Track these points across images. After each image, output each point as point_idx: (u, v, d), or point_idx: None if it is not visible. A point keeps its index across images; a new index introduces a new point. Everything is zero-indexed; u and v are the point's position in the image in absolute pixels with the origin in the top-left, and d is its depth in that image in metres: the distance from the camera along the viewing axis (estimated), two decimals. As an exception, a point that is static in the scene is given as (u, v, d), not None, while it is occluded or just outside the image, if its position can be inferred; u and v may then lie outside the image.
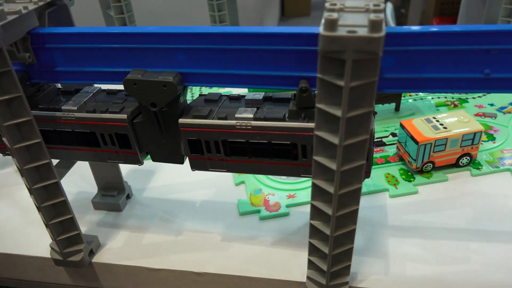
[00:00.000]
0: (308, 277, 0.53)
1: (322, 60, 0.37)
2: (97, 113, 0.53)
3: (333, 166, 0.42)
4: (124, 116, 0.52)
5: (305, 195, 0.69)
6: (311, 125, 0.46)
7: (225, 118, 0.50)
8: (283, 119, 0.48)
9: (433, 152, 0.69)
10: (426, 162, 0.70)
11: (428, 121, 0.71)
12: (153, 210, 0.70)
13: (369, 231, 0.63)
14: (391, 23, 2.57)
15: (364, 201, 0.68)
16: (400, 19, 3.23)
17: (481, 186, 0.69)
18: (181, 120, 0.50)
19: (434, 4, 3.00)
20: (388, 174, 0.72)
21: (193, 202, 0.71)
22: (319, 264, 0.51)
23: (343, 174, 0.43)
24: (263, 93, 0.52)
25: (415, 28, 0.41)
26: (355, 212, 0.46)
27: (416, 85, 0.43)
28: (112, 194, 0.70)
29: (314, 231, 0.49)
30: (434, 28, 0.41)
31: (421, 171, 0.71)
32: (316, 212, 0.47)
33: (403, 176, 0.71)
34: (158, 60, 0.48)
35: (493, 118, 0.84)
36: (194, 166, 0.54)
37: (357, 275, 0.56)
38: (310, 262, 0.52)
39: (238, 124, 0.49)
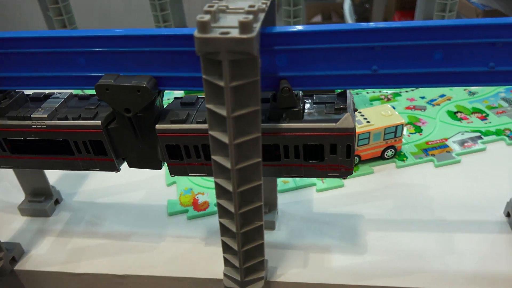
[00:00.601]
0: (224, 274, 0.54)
1: (203, 61, 0.37)
2: (69, 120, 0.51)
3: (228, 164, 0.42)
4: (98, 122, 0.50)
5: (235, 193, 0.70)
6: (293, 125, 0.46)
7: (204, 122, 0.48)
8: (264, 121, 0.47)
9: (358, 145, 0.71)
10: (352, 156, 0.72)
11: (353, 115, 0.73)
12: (81, 214, 0.69)
13: (293, 225, 0.64)
14: (349, 19, 2.61)
15: (291, 196, 0.70)
16: (365, 14, 3.28)
17: (404, 177, 0.72)
18: (158, 126, 0.49)
19: (396, -1, 3.04)
20: (318, 169, 0.74)
21: (123, 204, 0.71)
22: (232, 261, 0.52)
23: (240, 172, 0.43)
24: None
25: (302, 27, 0.42)
26: (260, 208, 0.47)
27: (309, 83, 0.44)
28: (39, 200, 0.69)
29: (223, 229, 0.50)
30: (320, 27, 0.42)
31: (348, 165, 0.73)
32: (222, 211, 0.48)
33: (331, 171, 0.73)
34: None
35: (423, 110, 0.87)
36: (173, 172, 0.53)
37: (277, 269, 0.58)
38: (225, 259, 0.53)
39: None
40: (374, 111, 0.73)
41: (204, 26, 0.35)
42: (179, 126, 0.49)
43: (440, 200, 0.67)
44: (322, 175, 0.51)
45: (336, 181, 0.71)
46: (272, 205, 0.64)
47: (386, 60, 0.43)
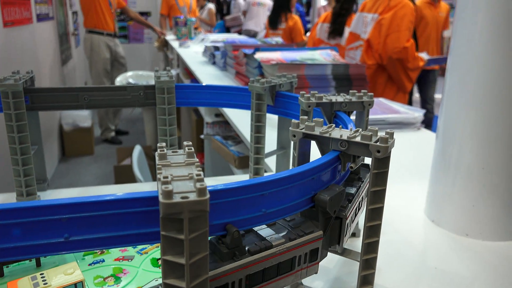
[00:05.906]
0: None
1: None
2: (298, 238, 0.57)
3: None
4: (321, 232, 0.59)
5: None
6: None
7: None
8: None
9: (34, 309, 0.71)
10: (29, 321, 0.71)
11: (33, 278, 0.74)
12: None
13: None
14: (136, 167, 2.74)
15: None
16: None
17: (85, 335, 0.73)
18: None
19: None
20: None
21: None
22: None
23: None
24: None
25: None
26: None
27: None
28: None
29: None
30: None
31: (27, 331, 0.72)
32: None
33: None
34: None
35: (130, 260, 0.94)
36: None
37: None
38: None
39: None
40: (56, 271, 0.76)
41: None
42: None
43: None
44: None
45: None
46: None
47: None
